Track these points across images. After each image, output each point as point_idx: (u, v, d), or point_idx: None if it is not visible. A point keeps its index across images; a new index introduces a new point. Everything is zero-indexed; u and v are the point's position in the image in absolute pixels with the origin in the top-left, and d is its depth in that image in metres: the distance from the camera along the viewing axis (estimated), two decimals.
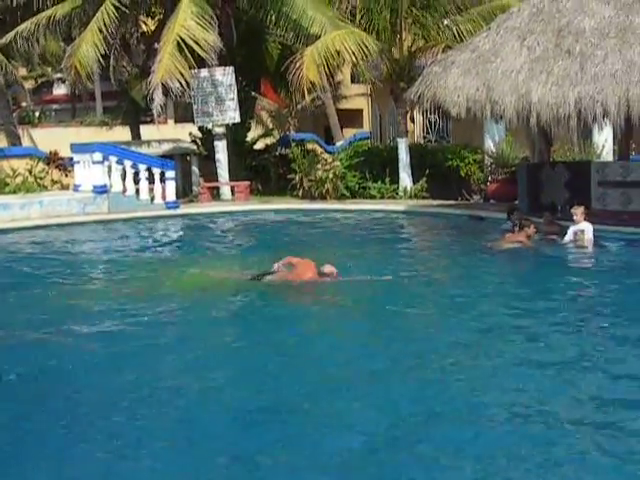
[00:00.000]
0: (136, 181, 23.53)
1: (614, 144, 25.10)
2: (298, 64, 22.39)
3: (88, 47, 23.63)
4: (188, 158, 28.57)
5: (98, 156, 23.17)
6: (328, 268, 12.09)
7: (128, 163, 23.54)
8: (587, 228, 15.78)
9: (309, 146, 29.22)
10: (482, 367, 8.41)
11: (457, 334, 9.58)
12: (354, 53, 22.61)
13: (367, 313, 11.25)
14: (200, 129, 27.70)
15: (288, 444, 6.49)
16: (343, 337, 9.78)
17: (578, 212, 15.92)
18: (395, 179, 24.43)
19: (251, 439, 6.56)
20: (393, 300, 11.43)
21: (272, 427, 6.83)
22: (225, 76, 25.30)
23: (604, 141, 25.92)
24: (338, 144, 32.21)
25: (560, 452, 6.23)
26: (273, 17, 26.47)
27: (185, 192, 27.10)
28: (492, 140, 25.32)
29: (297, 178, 24.88)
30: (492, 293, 12.18)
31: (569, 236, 15.80)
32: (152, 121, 34.34)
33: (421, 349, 9.04)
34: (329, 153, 28.41)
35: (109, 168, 23.35)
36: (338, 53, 22.76)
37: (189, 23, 22.99)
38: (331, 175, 24.24)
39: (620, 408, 7.14)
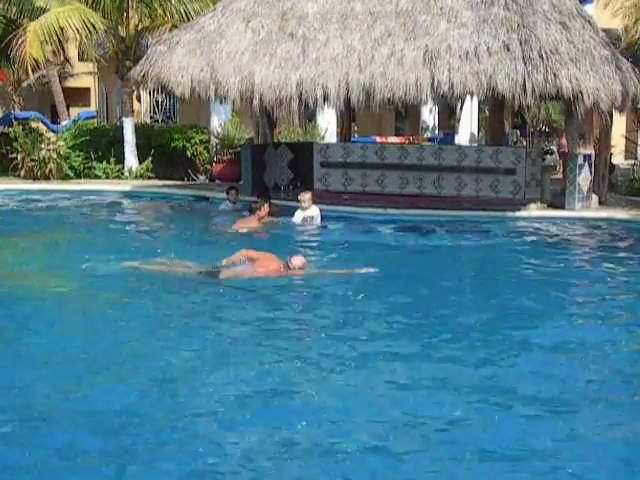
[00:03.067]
0: None
1: (337, 126, 25.80)
2: (21, 40, 21.64)
3: None
4: None
5: None
6: (297, 260, 11.11)
7: None
8: (315, 214, 16.01)
9: (33, 125, 28.28)
10: None
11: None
12: (79, 30, 22.06)
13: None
14: None
15: None
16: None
17: (306, 198, 16.05)
18: (121, 159, 24.08)
19: None
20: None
21: None
22: None
23: (328, 123, 26.64)
24: (63, 123, 31.40)
25: None
26: None
27: None
28: (218, 121, 25.43)
29: (19, 158, 24.06)
30: None
31: (297, 221, 15.96)
32: None
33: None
34: (54, 132, 27.64)
35: None
36: (62, 30, 22.14)
37: None
38: (55, 155, 23.60)
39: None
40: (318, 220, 16.03)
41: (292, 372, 7.61)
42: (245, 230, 15.12)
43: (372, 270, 11.29)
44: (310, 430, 6.31)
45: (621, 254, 13.84)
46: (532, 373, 7.64)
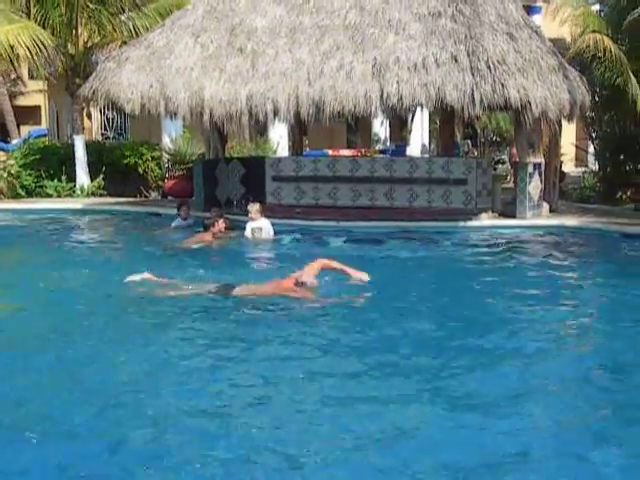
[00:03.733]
0: None
1: (289, 140, 25.85)
2: None
3: None
4: None
5: None
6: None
7: None
8: (264, 226, 15.93)
9: None
10: None
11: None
12: (28, 48, 21.92)
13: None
14: None
15: None
16: None
17: (253, 210, 15.97)
18: (72, 177, 23.94)
19: None
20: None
21: None
22: None
23: (279, 138, 26.68)
24: (14, 142, 31.22)
25: None
26: None
27: None
28: (169, 137, 25.38)
29: None
30: None
31: (247, 233, 15.87)
32: None
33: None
34: (4, 151, 27.45)
35: None
36: (12, 48, 21.99)
37: None
38: (5, 174, 23.49)
39: None
40: (270, 233, 15.91)
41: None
42: (197, 246, 15.04)
43: (365, 278, 10.94)
44: None
45: (572, 260, 13.98)
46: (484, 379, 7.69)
